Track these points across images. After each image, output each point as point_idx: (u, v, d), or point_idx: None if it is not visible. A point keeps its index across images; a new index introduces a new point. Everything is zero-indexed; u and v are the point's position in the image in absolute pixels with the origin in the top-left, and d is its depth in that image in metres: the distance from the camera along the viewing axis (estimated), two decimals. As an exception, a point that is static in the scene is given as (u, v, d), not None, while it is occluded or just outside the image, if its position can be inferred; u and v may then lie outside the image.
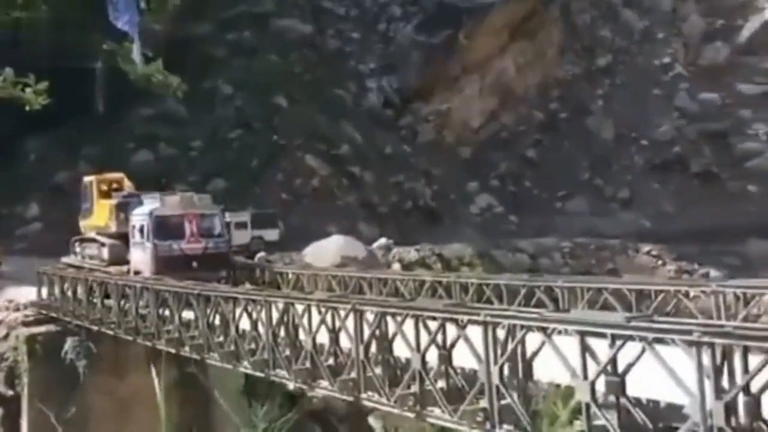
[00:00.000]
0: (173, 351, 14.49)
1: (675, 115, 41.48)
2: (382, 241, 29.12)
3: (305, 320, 11.28)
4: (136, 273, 19.30)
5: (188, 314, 14.32)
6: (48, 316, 19.55)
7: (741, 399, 6.64)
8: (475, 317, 8.77)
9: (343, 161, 36.64)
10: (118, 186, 23.91)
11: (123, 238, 21.10)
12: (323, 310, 10.97)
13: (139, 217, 20.02)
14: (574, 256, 32.05)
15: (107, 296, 17.21)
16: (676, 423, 7.38)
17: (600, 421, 7.46)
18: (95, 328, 17.46)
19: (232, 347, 12.90)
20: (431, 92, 41.15)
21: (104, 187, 23.84)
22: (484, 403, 8.63)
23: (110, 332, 16.83)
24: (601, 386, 7.57)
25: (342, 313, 10.61)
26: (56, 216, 32.31)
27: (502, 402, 8.41)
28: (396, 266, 27.13)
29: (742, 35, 44.60)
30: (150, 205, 20.17)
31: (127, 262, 20.64)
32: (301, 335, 11.48)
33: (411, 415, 9.65)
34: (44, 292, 20.16)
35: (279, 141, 36.60)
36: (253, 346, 12.56)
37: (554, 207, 38.08)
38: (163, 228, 19.41)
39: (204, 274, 17.53)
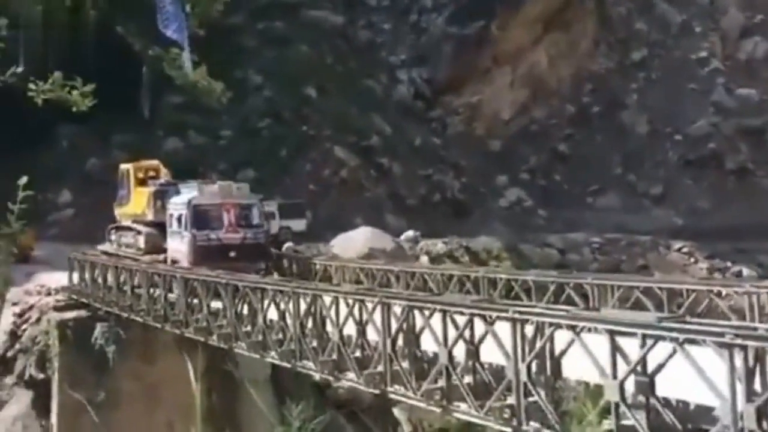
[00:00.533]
0: (201, 339, 14.60)
1: (711, 110, 40.86)
2: (410, 233, 29.06)
3: (332, 312, 11.30)
4: (173, 262, 19.09)
5: (217, 303, 14.41)
6: (79, 302, 19.80)
7: (774, 402, 6.53)
8: (503, 313, 8.72)
9: (372, 153, 36.61)
10: (155, 174, 23.65)
11: (160, 226, 20.84)
12: (351, 302, 10.98)
13: (177, 205, 19.77)
14: (603, 252, 31.74)
15: (138, 285, 17.35)
16: (705, 425, 7.29)
17: (629, 421, 7.38)
18: (125, 314, 17.64)
19: (260, 337, 12.96)
20: (462, 84, 40.92)
21: (141, 175, 23.61)
22: (511, 399, 8.58)
23: (139, 319, 16.99)
24: (630, 386, 7.49)
25: (369, 306, 10.61)
26: (87, 203, 32.73)
27: (530, 399, 8.35)
28: (423, 259, 27.07)
29: (782, 29, 43.86)
30: (188, 193, 19.91)
31: (164, 251, 20.40)
32: (329, 327, 11.49)
33: (437, 409, 9.62)
34: (75, 277, 20.40)
35: (308, 131, 36.65)
36: (280, 336, 12.61)
37: (585, 202, 37.73)
38: (202, 217, 19.14)
39: (241, 264, 17.23)
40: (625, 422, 7.45)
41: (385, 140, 37.70)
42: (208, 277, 15.03)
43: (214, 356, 15.65)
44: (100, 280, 19.03)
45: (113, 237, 24.73)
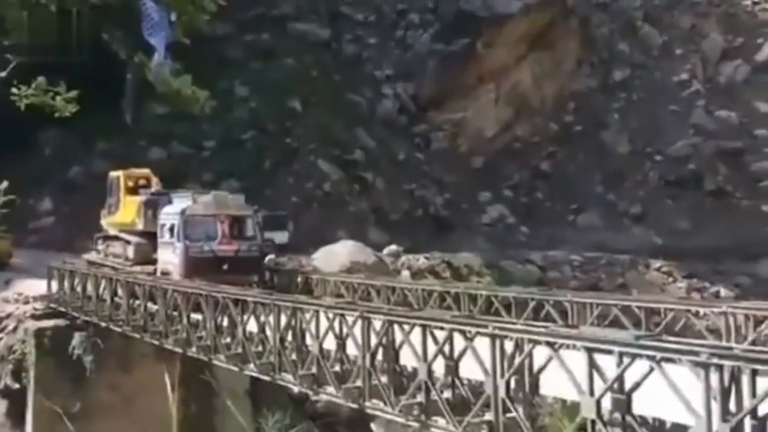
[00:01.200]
0: (180, 351, 14.55)
1: (691, 132, 41.24)
2: (392, 247, 29.10)
3: (313, 326, 11.31)
4: (164, 274, 18.73)
5: (197, 315, 14.37)
6: (57, 311, 19.68)
7: (748, 422, 6.61)
8: (483, 329, 8.78)
9: (355, 167, 36.67)
10: (145, 183, 23.17)
11: (150, 237, 20.41)
12: (331, 316, 11.00)
13: (169, 215, 19.33)
14: (583, 269, 31.95)
15: (118, 296, 17.24)
16: (681, 443, 7.37)
17: (606, 439, 7.44)
18: (104, 324, 17.55)
19: (239, 350, 12.94)
20: (446, 100, 41.11)
21: (131, 183, 23.13)
22: (489, 416, 8.63)
23: (118, 329, 16.91)
24: (607, 403, 7.56)
25: (350, 320, 10.63)
26: (69, 210, 32.54)
27: (508, 415, 8.40)
28: (405, 273, 27.11)
29: (762, 54, 44.39)
30: (181, 203, 19.52)
31: (154, 263, 19.96)
32: (308, 340, 11.50)
33: (415, 424, 9.65)
34: (54, 286, 20.26)
35: (292, 144, 36.65)
36: (260, 349, 12.61)
37: (566, 220, 37.93)
38: (195, 228, 18.73)
39: (235, 277, 16.85)
40: (601, 440, 7.51)
41: (369, 154, 37.78)
42: (189, 288, 15.00)
43: (193, 367, 15.59)
44: (79, 289, 18.92)
45: (101, 246, 24.22)
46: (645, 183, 39.40)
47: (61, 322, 19.24)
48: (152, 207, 20.72)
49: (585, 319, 13.34)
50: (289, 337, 11.94)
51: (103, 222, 24.68)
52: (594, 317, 13.37)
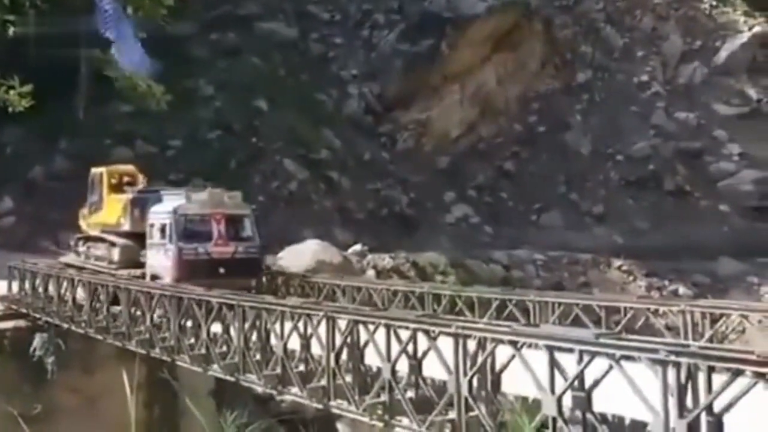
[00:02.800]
0: (143, 352, 14.45)
1: (651, 132, 41.88)
2: (357, 247, 29.16)
3: (277, 326, 11.33)
4: (154, 278, 17.48)
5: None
6: (18, 312, 19.39)
7: (704, 418, 6.78)
8: (446, 329, 8.87)
9: (321, 166, 36.66)
10: (130, 179, 21.62)
11: (137, 238, 19.11)
12: (296, 316, 11.02)
13: (160, 215, 17.94)
14: (547, 268, 32.31)
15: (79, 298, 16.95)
16: (639, 440, 7.53)
17: (566, 436, 7.58)
18: (65, 325, 17.36)
19: (203, 350, 12.90)
20: (412, 100, 41.25)
21: (115, 180, 21.57)
22: (452, 414, 8.72)
23: (80, 331, 16.73)
24: (568, 401, 7.69)
25: (314, 320, 10.67)
26: (30, 210, 32.04)
27: (471, 414, 8.51)
28: (370, 273, 27.18)
29: (720, 56, 45.22)
30: (173, 201, 18.05)
31: (141, 266, 18.68)
32: (273, 341, 11.51)
33: (379, 424, 9.72)
34: (15, 286, 19.97)
35: (258, 144, 36.52)
36: (224, 349, 12.58)
37: (529, 219, 38.29)
38: (188, 228, 17.49)
39: (232, 281, 15.68)
40: (562, 437, 7.64)
41: (335, 154, 37.79)
42: (152, 288, 14.91)
43: (158, 368, 15.50)
44: (40, 289, 18.68)
45: (81, 248, 22.68)
46: (606, 183, 39.92)
47: (21, 323, 18.97)
48: (140, 206, 19.39)
49: (547, 317, 13.53)
50: (254, 338, 11.94)
51: (83, 222, 23.33)
52: (556, 316, 13.57)
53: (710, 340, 11.84)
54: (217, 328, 12.69)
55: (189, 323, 13.38)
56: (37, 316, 18.60)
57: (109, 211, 21.10)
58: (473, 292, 15.77)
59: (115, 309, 15.57)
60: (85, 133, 34.78)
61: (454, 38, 41.11)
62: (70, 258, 22.96)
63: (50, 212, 31.00)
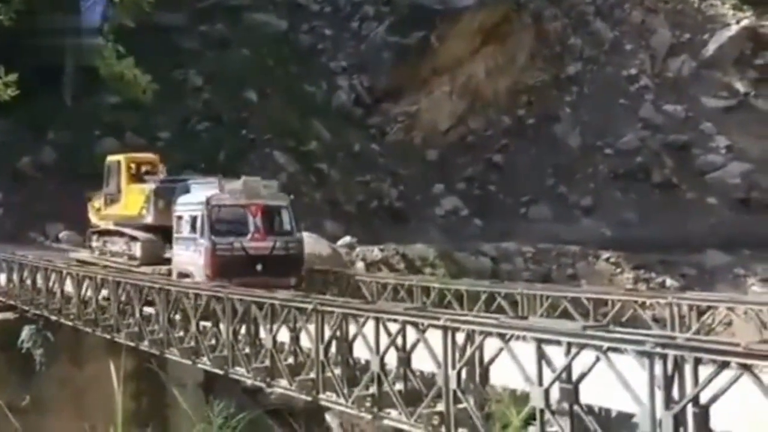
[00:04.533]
0: (132, 345, 14.45)
1: (639, 125, 41.99)
2: (347, 239, 29.17)
3: (266, 319, 11.35)
4: (182, 276, 15.99)
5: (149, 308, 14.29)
6: (6, 304, 19.33)
7: (690, 410, 6.85)
8: (435, 321, 8.92)
9: (311, 158, 36.62)
10: (150, 169, 20.23)
11: (161, 232, 17.75)
12: (285, 309, 11.05)
13: (190, 206, 16.49)
14: (535, 261, 32.43)
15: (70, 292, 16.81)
16: (626, 431, 7.60)
17: (553, 428, 7.65)
18: (54, 317, 17.32)
19: (192, 343, 12.91)
20: (401, 93, 41.23)
21: (134, 169, 20.13)
22: (441, 406, 8.77)
23: (69, 323, 16.71)
24: (555, 393, 7.76)
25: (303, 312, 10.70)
26: (19, 201, 31.89)
27: (459, 406, 8.56)
28: (359, 265, 27.21)
29: (708, 49, 45.36)
30: (204, 191, 16.56)
31: (165, 262, 17.36)
32: (262, 333, 11.54)
33: (368, 416, 9.77)
34: (3, 278, 19.91)
35: (248, 135, 36.47)
36: (213, 342, 12.60)
37: (518, 212, 38.37)
38: (223, 221, 16.02)
39: (270, 280, 14.36)
40: (550, 429, 7.71)
41: (324, 146, 37.76)
42: (141, 281, 14.90)
43: (147, 360, 15.50)
44: (29, 281, 18.62)
45: (95, 243, 21.30)
46: (595, 176, 40.04)
47: (9, 315, 18.92)
48: (165, 196, 17.87)
49: (535, 310, 13.62)
50: (243, 331, 11.97)
51: (94, 215, 22.09)
52: (544, 309, 13.65)
53: (697, 332, 11.95)
54: (205, 321, 12.71)
55: (178, 316, 13.39)
56: (26, 308, 18.54)
57: (128, 202, 19.61)
58: (462, 285, 15.84)
59: (148, 311, 15.14)
60: (73, 125, 34.63)
61: (444, 31, 41.09)
62: (82, 254, 21.63)
63: (38, 203, 30.89)
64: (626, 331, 8.23)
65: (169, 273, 16.58)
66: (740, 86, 43.88)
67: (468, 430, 8.45)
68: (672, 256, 33.72)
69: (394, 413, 9.36)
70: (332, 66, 42.40)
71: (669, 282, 32.25)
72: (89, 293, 16.08)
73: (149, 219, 18.48)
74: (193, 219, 16.14)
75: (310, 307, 10.53)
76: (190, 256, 16.14)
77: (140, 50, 35.41)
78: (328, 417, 19.05)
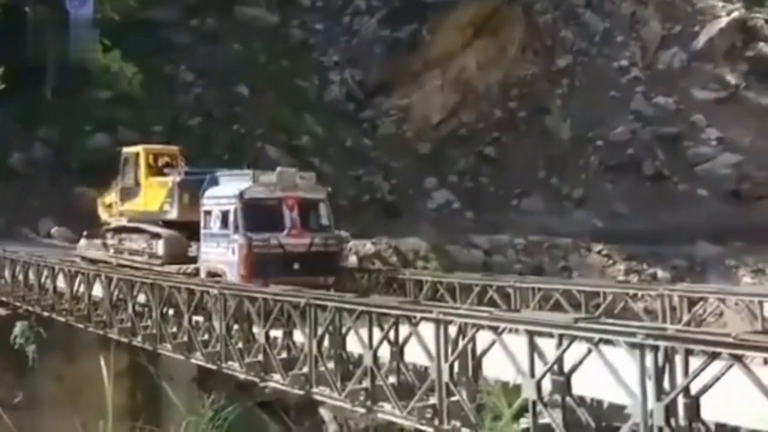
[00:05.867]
0: (125, 340, 14.46)
1: (630, 117, 42.06)
2: (340, 233, 29.12)
3: (259, 314, 11.37)
4: (212, 276, 14.87)
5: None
6: (-2, 301, 19.30)
7: (681, 400, 6.91)
8: (427, 315, 8.96)
9: (303, 153, 36.58)
10: (170, 161, 19.14)
11: (185, 228, 16.74)
12: (278, 304, 11.07)
13: (220, 199, 15.40)
14: (527, 253, 32.50)
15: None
16: (618, 423, 7.65)
17: (545, 419, 7.70)
18: (46, 314, 17.30)
19: (185, 338, 12.93)
20: (393, 86, 41.19)
21: (154, 162, 19.02)
22: (433, 399, 8.81)
23: (62, 319, 16.68)
24: (547, 385, 7.81)
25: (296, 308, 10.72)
26: (9, 197, 31.76)
27: (452, 399, 8.60)
28: (352, 259, 27.22)
29: (699, 41, 45.45)
30: (235, 183, 15.53)
31: (190, 261, 16.34)
32: (255, 328, 11.56)
33: (361, 410, 9.81)
34: (-6, 276, 19.85)
35: (240, 130, 36.42)
36: (206, 337, 12.61)
37: (510, 204, 38.41)
38: (257, 216, 14.88)
39: (308, 279, 13.44)
40: (542, 420, 7.77)
41: (317, 140, 37.74)
42: (134, 277, 14.89)
43: (136, 356, 15.50)
44: (21, 277, 18.59)
45: (111, 241, 20.04)
46: (586, 168, 40.11)
47: (2, 311, 18.89)
48: (190, 189, 16.73)
49: (527, 303, 13.67)
50: (236, 326, 11.99)
51: (104, 212, 21.18)
52: (536, 301, 13.70)
53: (688, 323, 12.02)
54: (199, 316, 12.72)
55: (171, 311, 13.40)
56: (18, 304, 18.51)
57: (148, 196, 18.43)
58: (454, 278, 15.87)
59: (96, 296, 15.23)
60: (64, 120, 34.49)
61: (435, 24, 41.06)
62: (95, 252, 20.47)
63: (30, 200, 30.79)
64: (617, 322, 8.28)
65: (197, 272, 15.60)
66: (731, 78, 43.99)
67: (460, 423, 8.49)
68: (663, 247, 33.82)
69: (387, 407, 9.40)
70: (324, 60, 42.36)
71: (660, 274, 32.35)
72: (81, 289, 16.05)
73: (173, 214, 17.29)
74: (224, 214, 15.11)
75: (302, 302, 10.55)
76: (221, 254, 15.05)
77: (131, 45, 35.39)
78: (321, 411, 19.08)
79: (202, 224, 15.69)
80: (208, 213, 15.63)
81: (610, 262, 33.13)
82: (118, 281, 14.98)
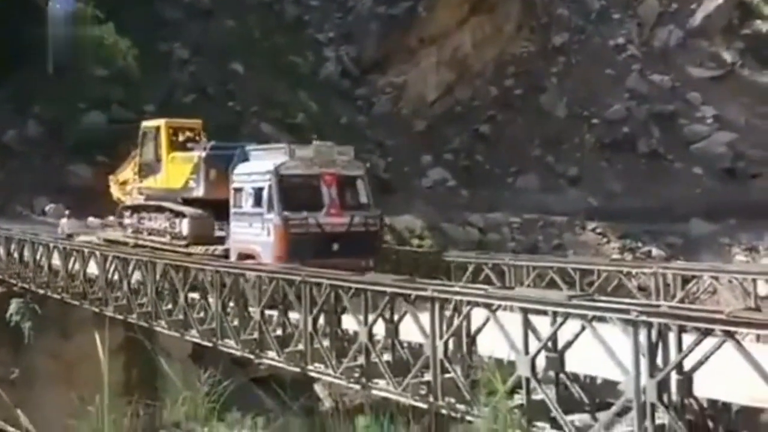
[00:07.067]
0: (121, 317, 14.47)
1: (626, 95, 42.03)
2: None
3: (255, 291, 11.38)
4: (244, 258, 13.86)
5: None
6: (-7, 278, 19.30)
7: (674, 377, 6.96)
8: (422, 292, 8.97)
9: (298, 130, 36.41)
10: (192, 136, 17.93)
11: (210, 206, 15.80)
12: (273, 281, 11.08)
13: (252, 176, 14.39)
14: (522, 231, 32.57)
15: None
16: (611, 399, 7.71)
17: (539, 396, 7.75)
18: (42, 291, 17.31)
19: (181, 316, 12.94)
20: (388, 64, 41.05)
21: (176, 137, 17.79)
22: (428, 376, 8.85)
23: (57, 296, 16.69)
24: (541, 362, 7.85)
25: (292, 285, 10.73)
26: (4, 175, 31.60)
27: (446, 375, 8.65)
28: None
29: (695, 19, 45.29)
30: (269, 158, 14.44)
31: (217, 242, 15.39)
32: (251, 306, 11.58)
33: (356, 386, 9.85)
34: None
35: (235, 107, 36.27)
36: (201, 315, 12.63)
37: (505, 182, 38.44)
38: (294, 193, 13.93)
39: (348, 261, 12.64)
40: (535, 397, 7.82)
41: (312, 118, 37.60)
42: (129, 255, 14.88)
43: (132, 331, 15.53)
44: (16, 255, 18.57)
45: (128, 220, 18.88)
46: (581, 146, 40.10)
47: (-3, 289, 18.91)
48: (218, 165, 15.62)
49: (522, 280, 13.71)
50: (231, 303, 12.00)
51: (117, 190, 20.16)
52: (531, 279, 13.74)
53: (681, 300, 12.07)
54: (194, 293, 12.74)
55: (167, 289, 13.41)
56: (13, 281, 18.52)
57: (171, 173, 17.27)
58: (450, 256, 15.90)
59: (92, 274, 15.15)
60: (58, 98, 34.27)
61: (431, 1, 40.82)
62: (112, 233, 19.57)
63: (24, 177, 30.67)
64: (611, 300, 8.33)
65: (226, 254, 14.62)
66: (727, 56, 43.90)
67: (455, 399, 8.55)
68: (657, 225, 33.92)
69: (382, 383, 9.44)
70: (319, 37, 42.12)
71: (655, 251, 32.48)
72: (77, 266, 16.05)
73: (199, 192, 16.06)
74: (258, 191, 14.07)
75: (298, 279, 10.56)
76: (254, 235, 14.02)
77: (125, 22, 35.11)
78: (317, 387, 19.18)
79: (231, 202, 14.72)
80: (238, 190, 14.63)
81: (605, 240, 33.24)
82: (113, 259, 14.97)
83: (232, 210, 14.70)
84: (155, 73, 34.98)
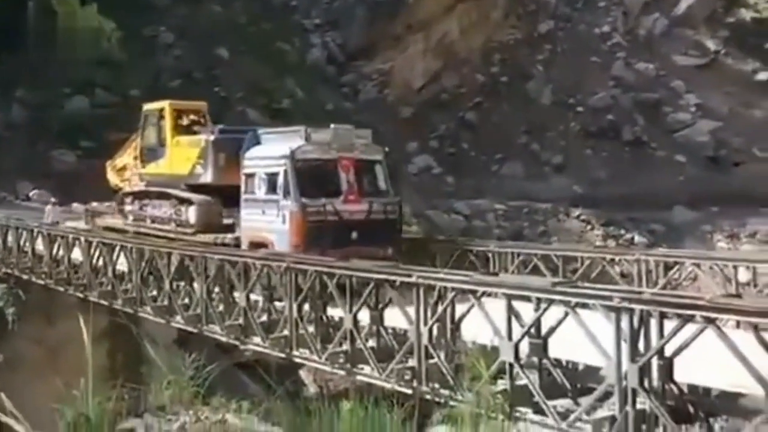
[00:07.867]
0: (105, 303, 14.45)
1: (611, 83, 42.16)
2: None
3: (241, 277, 11.39)
4: (256, 246, 13.11)
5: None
6: (-23, 264, 19.17)
7: (655, 362, 7.05)
8: (407, 279, 9.02)
9: (284, 116, 36.27)
10: (197, 119, 17.23)
11: (218, 193, 15.14)
12: (259, 267, 11.09)
13: (266, 160, 13.66)
14: (507, 218, 32.67)
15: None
16: (593, 384, 7.81)
17: (522, 381, 7.84)
18: (25, 277, 17.24)
19: (166, 302, 12.93)
20: (375, 50, 40.94)
21: (181, 119, 16.99)
22: (412, 362, 8.92)
23: (41, 282, 16.63)
24: (524, 347, 7.94)
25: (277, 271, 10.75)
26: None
27: (430, 361, 8.72)
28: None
29: (680, 7, 45.41)
30: (284, 142, 13.69)
31: (225, 230, 14.77)
32: (236, 292, 11.59)
33: (341, 372, 9.91)
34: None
35: (220, 93, 36.09)
36: (186, 301, 12.63)
37: (490, 170, 38.51)
38: (311, 179, 13.24)
39: (367, 250, 12.21)
40: (519, 382, 7.91)
41: (298, 104, 37.49)
42: (114, 240, 14.84)
43: (116, 317, 15.49)
44: (-1, 241, 18.48)
45: (130, 207, 18.06)
46: (566, 133, 40.21)
47: (-20, 275, 18.79)
48: (227, 149, 14.89)
49: (506, 267, 13.79)
50: (217, 289, 12.02)
51: (115, 177, 19.32)
52: (515, 266, 13.83)
53: (664, 287, 12.19)
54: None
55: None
56: (-3, 267, 18.43)
57: (175, 158, 16.46)
58: (435, 243, 15.95)
59: (76, 260, 15.12)
60: (42, 83, 34.01)
61: (418, -13, 40.74)
62: (111, 221, 18.82)
63: (8, 162, 30.45)
64: (594, 286, 8.41)
65: (237, 243, 13.97)
66: (711, 44, 44.07)
67: (439, 384, 8.62)
68: (641, 212, 34.11)
69: (366, 369, 9.50)
70: (305, 23, 41.94)
71: (637, 238, 32.68)
72: (61, 252, 15.99)
73: (207, 177, 15.31)
74: (272, 177, 13.38)
75: (283, 265, 10.59)
76: (268, 222, 13.35)
77: (109, 4, 34.81)
78: (302, 373, 19.23)
79: (243, 188, 14.03)
80: (250, 176, 13.91)
81: (589, 227, 33.39)
82: (98, 244, 14.93)
83: (243, 196, 14.02)
84: (140, 58, 34.77)
